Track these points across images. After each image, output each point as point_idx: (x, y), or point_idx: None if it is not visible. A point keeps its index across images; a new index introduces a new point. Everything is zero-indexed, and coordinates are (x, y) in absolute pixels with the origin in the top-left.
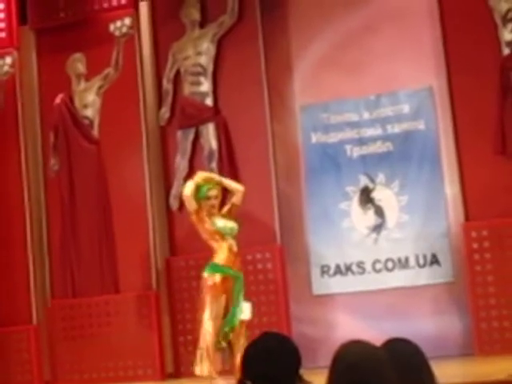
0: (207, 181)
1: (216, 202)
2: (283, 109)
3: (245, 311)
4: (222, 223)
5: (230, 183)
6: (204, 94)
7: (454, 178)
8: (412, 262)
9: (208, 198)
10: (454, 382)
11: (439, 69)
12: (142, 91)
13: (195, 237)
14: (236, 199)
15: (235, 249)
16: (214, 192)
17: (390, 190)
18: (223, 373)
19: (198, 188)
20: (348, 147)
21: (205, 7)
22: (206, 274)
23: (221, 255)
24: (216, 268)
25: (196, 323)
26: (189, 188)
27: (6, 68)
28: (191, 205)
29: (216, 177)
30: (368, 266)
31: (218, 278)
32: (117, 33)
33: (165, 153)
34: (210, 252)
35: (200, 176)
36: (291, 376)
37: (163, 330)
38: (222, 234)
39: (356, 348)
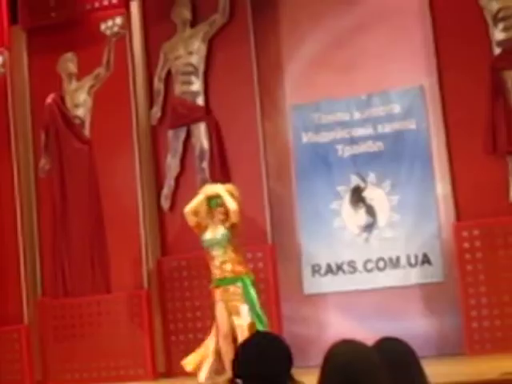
0: (212, 196)
1: (224, 210)
2: (274, 109)
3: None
4: (209, 235)
5: (227, 200)
6: (195, 94)
7: (445, 177)
8: (403, 261)
9: (220, 206)
10: (445, 382)
11: (430, 68)
12: (133, 91)
13: (186, 237)
14: (232, 217)
15: (220, 259)
16: (221, 200)
17: (381, 190)
18: None
19: (209, 199)
20: (339, 147)
21: (196, 6)
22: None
23: (213, 271)
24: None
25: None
26: (190, 205)
27: None
28: (190, 220)
29: (221, 191)
30: (359, 266)
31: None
32: (108, 32)
33: (156, 152)
34: (201, 252)
35: (205, 191)
36: (282, 376)
37: (155, 330)
38: (207, 248)
39: (347, 348)
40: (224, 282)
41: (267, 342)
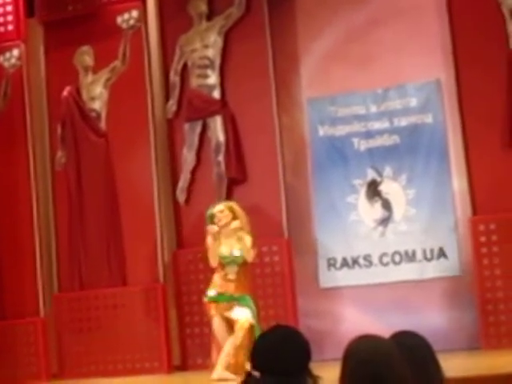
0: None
1: (221, 216)
2: (290, 102)
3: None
4: (225, 250)
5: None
6: (211, 87)
7: (462, 171)
8: (419, 255)
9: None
10: (461, 376)
11: (447, 62)
12: (150, 84)
13: (202, 230)
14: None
15: (231, 277)
16: (219, 207)
17: (397, 184)
18: None
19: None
20: (355, 140)
21: (212, 0)
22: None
23: (214, 283)
24: (210, 297)
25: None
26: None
27: (13, 61)
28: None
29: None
30: (375, 259)
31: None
32: (124, 25)
33: (172, 145)
34: None
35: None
36: (300, 369)
37: (170, 323)
38: (221, 263)
39: (369, 343)
40: (223, 297)
41: (286, 336)
